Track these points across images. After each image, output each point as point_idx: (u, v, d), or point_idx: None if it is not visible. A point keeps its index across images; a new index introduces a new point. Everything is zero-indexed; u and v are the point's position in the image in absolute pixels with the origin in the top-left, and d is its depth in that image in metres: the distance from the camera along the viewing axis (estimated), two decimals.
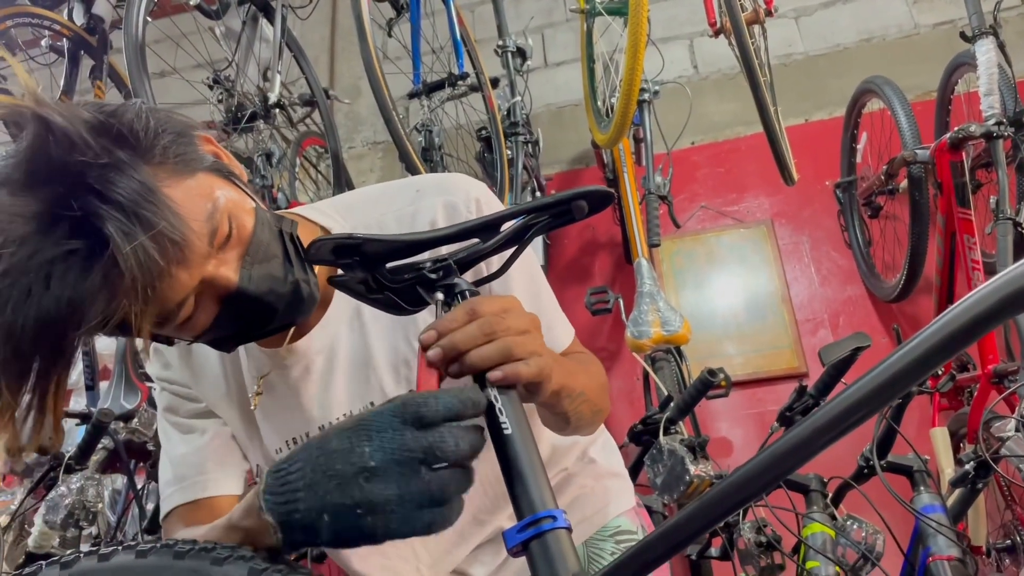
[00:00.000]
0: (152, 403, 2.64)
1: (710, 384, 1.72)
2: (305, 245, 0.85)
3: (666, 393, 2.10)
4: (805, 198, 3.38)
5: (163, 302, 0.74)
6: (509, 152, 2.97)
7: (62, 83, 2.68)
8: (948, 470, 2.00)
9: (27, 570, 0.64)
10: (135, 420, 2.37)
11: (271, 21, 2.60)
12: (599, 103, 2.70)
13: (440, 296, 0.76)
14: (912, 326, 2.93)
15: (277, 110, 2.41)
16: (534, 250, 3.02)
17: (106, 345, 2.75)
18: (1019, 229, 2.12)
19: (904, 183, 2.83)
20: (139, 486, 2.30)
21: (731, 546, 1.72)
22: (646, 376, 2.66)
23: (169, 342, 0.87)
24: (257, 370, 0.99)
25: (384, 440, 0.61)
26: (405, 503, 0.60)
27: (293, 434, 1.00)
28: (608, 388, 1.00)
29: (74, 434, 2.46)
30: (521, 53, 3.29)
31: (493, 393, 0.69)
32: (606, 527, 1.16)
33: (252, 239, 0.81)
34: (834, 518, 1.71)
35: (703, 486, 1.70)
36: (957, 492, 1.77)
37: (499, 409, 0.67)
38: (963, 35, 2.42)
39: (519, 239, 0.78)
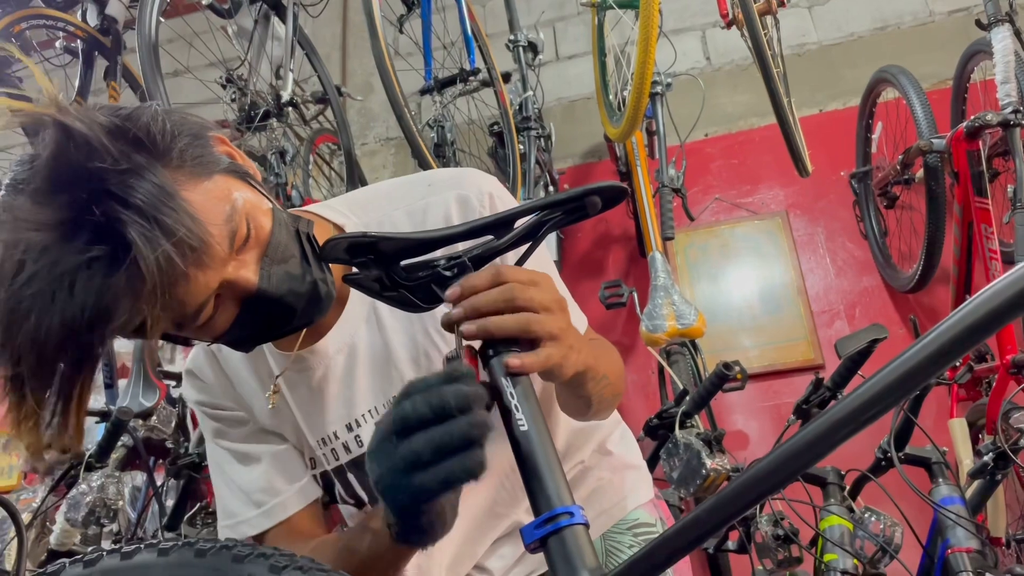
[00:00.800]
0: (170, 400, 2.66)
1: (726, 377, 1.72)
2: (320, 244, 0.86)
3: (681, 387, 2.10)
4: (820, 189, 3.36)
5: (183, 306, 0.75)
6: (521, 147, 2.97)
7: (76, 84, 2.70)
8: (967, 461, 1.99)
9: (50, 568, 0.65)
10: (154, 418, 2.39)
11: (283, 19, 2.60)
12: (611, 96, 2.69)
13: None
14: (929, 317, 2.91)
15: (290, 108, 2.41)
16: (547, 245, 3.02)
17: (124, 343, 2.78)
18: None
19: (920, 173, 2.80)
20: (158, 483, 2.32)
21: (748, 539, 1.72)
22: (661, 370, 2.65)
23: (186, 342, 0.88)
24: (276, 370, 1.00)
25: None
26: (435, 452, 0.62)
27: (321, 434, 1.01)
28: (624, 375, 1.01)
29: (94, 432, 2.48)
30: (532, 47, 3.29)
31: (508, 387, 0.69)
32: (624, 520, 1.16)
33: (270, 240, 0.81)
34: (852, 511, 1.70)
35: (719, 480, 1.70)
36: (976, 483, 1.76)
37: (515, 406, 0.68)
38: (979, 23, 2.40)
39: (533, 235, 0.78)
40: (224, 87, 2.34)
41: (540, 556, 0.63)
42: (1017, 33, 2.34)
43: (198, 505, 2.32)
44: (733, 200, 3.49)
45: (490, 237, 0.78)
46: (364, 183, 2.88)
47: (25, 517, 2.18)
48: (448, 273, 0.76)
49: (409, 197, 0.99)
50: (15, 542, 2.37)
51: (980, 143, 2.27)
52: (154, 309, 0.70)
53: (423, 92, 2.62)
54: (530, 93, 3.13)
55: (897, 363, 0.52)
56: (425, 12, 2.66)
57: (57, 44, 2.76)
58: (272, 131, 2.43)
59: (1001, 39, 2.32)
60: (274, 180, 2.45)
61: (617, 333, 3.29)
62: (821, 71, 3.68)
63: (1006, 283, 0.48)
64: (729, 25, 2.59)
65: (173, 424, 2.56)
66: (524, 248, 0.80)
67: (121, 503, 2.10)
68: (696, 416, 1.84)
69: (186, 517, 2.26)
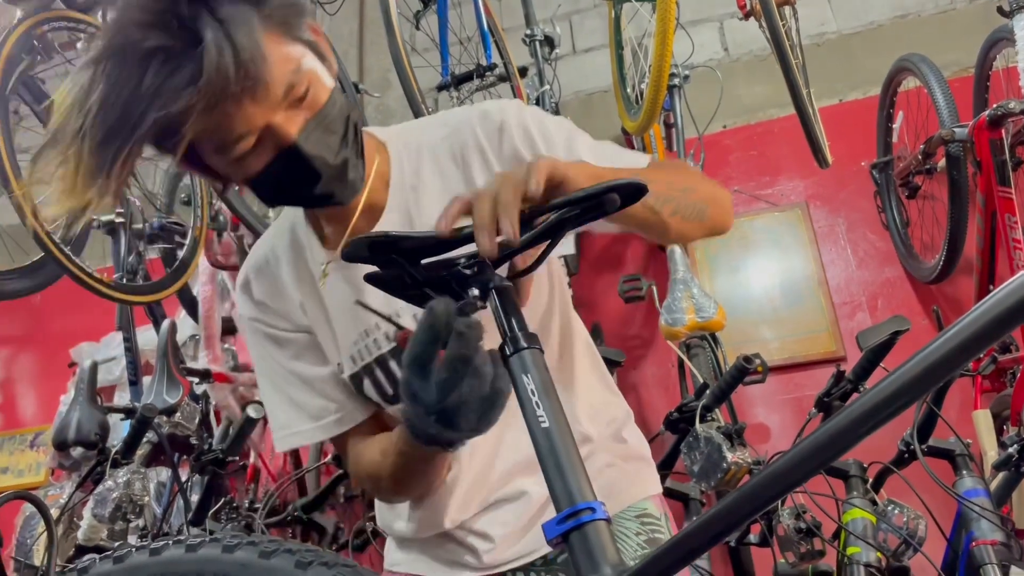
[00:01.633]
0: (194, 397, 2.68)
1: (746, 371, 1.72)
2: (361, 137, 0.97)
3: (702, 380, 2.09)
4: (840, 180, 3.33)
5: (226, 129, 0.84)
6: None
7: None
8: (991, 453, 1.98)
9: (80, 564, 0.66)
10: (178, 414, 2.42)
11: None
12: (628, 89, 2.68)
13: (475, 292, 0.76)
14: (952, 307, 2.88)
15: None
16: (564, 238, 3.01)
17: (148, 341, 2.81)
18: None
19: (942, 162, 2.77)
20: (183, 479, 2.35)
21: (770, 532, 1.72)
22: (681, 363, 2.65)
23: (216, 177, 0.94)
24: (322, 260, 1.06)
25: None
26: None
27: (364, 326, 1.06)
28: (717, 184, 1.08)
29: (119, 429, 2.51)
30: (549, 41, 3.28)
31: (528, 384, 0.69)
32: (632, 507, 1.16)
33: (322, 110, 0.89)
34: (875, 503, 1.69)
35: (740, 473, 1.70)
36: (1000, 475, 1.74)
37: (536, 402, 0.68)
38: (1000, 10, 2.37)
39: (552, 234, 0.78)
40: None
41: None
42: None
43: (222, 500, 2.35)
44: (752, 192, 3.47)
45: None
46: None
47: (52, 513, 2.21)
48: (468, 271, 0.77)
49: (451, 122, 1.08)
50: (43, 538, 2.41)
51: (1003, 131, 2.24)
52: (201, 107, 0.78)
53: (440, 88, 2.63)
54: (547, 87, 3.13)
55: (921, 356, 0.52)
56: (441, 8, 2.66)
57: (78, 46, 2.78)
58: None
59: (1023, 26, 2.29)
60: None
61: (636, 327, 3.28)
62: (840, 60, 3.65)
63: None
64: (747, 16, 2.56)
65: (197, 420, 2.59)
66: (544, 246, 0.80)
67: (147, 499, 2.13)
68: (716, 409, 1.84)
69: (211, 512, 2.29)
